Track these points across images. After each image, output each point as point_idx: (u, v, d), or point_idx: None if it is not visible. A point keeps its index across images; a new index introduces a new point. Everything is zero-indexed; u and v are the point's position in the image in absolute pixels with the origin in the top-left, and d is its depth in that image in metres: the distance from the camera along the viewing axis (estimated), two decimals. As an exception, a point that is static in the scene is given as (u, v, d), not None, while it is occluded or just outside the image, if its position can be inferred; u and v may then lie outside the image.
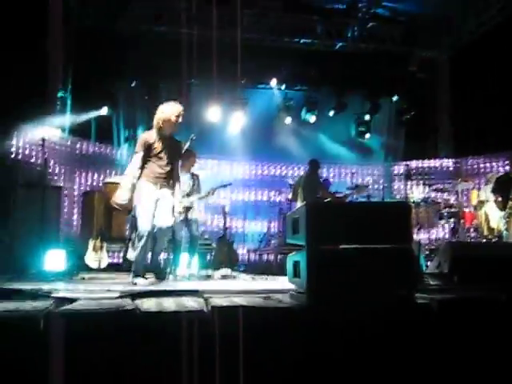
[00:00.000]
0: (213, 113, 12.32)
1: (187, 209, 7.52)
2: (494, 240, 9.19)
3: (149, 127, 6.33)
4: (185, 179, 7.65)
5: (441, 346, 3.60)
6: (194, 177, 7.99)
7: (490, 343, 3.75)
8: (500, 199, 8.59)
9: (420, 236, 9.94)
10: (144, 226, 5.76)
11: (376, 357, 3.38)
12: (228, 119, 12.84)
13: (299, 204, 8.90)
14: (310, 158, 10.17)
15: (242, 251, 11.46)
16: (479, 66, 12.26)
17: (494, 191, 8.90)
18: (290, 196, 10.61)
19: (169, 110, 5.95)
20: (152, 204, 5.84)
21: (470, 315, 3.81)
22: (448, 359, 3.56)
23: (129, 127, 12.13)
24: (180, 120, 5.97)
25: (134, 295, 3.79)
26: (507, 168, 10.20)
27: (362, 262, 3.53)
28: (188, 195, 7.64)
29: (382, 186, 11.33)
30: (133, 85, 12.06)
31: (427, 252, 9.58)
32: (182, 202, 6.85)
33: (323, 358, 3.29)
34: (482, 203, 10.07)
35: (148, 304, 3.41)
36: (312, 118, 13.24)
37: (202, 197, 7.87)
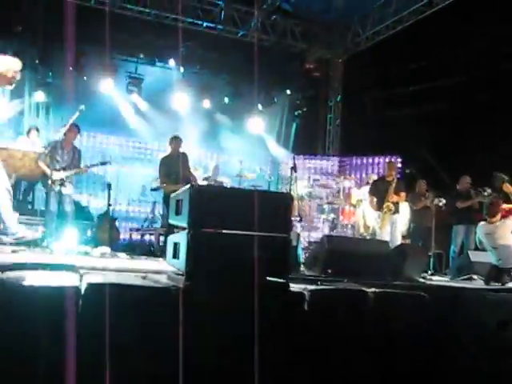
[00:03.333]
0: (105, 85, 11.98)
1: (62, 182, 7.36)
2: (368, 237, 9.70)
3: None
4: (65, 152, 7.56)
5: (309, 332, 3.78)
6: (75, 150, 7.83)
7: (355, 334, 3.99)
8: (375, 200, 9.03)
9: (299, 228, 10.26)
10: None
11: (248, 339, 3.48)
12: (122, 94, 12.58)
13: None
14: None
15: (124, 230, 11.26)
16: (370, 72, 12.92)
17: (369, 192, 9.35)
18: None
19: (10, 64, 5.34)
20: None
21: (339, 306, 4.02)
22: (311, 345, 3.74)
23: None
24: (17, 77, 5.43)
25: (3, 267, 3.62)
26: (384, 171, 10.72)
27: (241, 247, 3.61)
28: (64, 169, 7.49)
29: (268, 176, 11.56)
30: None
31: (306, 244, 9.94)
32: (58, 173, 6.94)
33: (197, 339, 3.34)
34: (360, 202, 10.61)
35: (18, 277, 3.27)
36: (206, 103, 13.23)
37: (77, 172, 7.75)
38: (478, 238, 7.55)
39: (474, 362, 4.38)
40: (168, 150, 9.00)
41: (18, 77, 5.50)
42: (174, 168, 8.53)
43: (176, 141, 8.77)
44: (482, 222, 7.46)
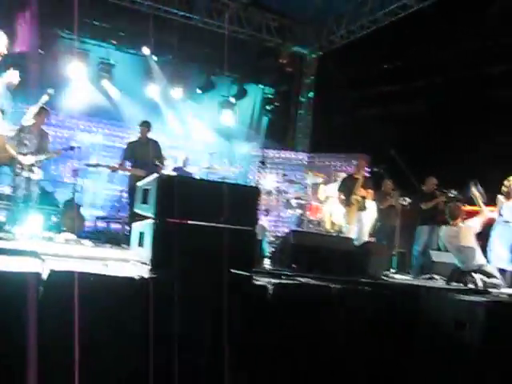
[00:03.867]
0: (76, 70, 11.79)
1: (31, 167, 7.23)
2: (334, 234, 9.78)
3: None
4: (33, 136, 7.40)
5: (271, 325, 3.79)
6: (43, 134, 7.68)
7: (317, 329, 4.03)
8: (343, 197, 9.13)
9: (266, 222, 10.28)
10: None
11: (212, 330, 3.48)
12: (94, 79, 12.42)
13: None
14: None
15: (89, 217, 11.10)
16: (343, 71, 12.99)
17: (339, 189, 9.45)
18: None
19: None
20: None
21: (302, 301, 4.05)
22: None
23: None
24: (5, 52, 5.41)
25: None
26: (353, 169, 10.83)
27: (206, 239, 3.61)
28: (33, 153, 7.34)
29: (237, 170, 11.55)
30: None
31: (271, 238, 9.97)
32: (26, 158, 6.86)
33: (159, 328, 3.32)
34: (327, 198, 10.67)
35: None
36: (178, 93, 13.12)
37: (47, 157, 7.62)
38: (442, 242, 7.67)
39: (433, 359, 4.47)
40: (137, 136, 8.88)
41: (6, 51, 5.37)
42: (138, 153, 8.41)
43: (144, 126, 8.63)
44: (445, 227, 7.59)
